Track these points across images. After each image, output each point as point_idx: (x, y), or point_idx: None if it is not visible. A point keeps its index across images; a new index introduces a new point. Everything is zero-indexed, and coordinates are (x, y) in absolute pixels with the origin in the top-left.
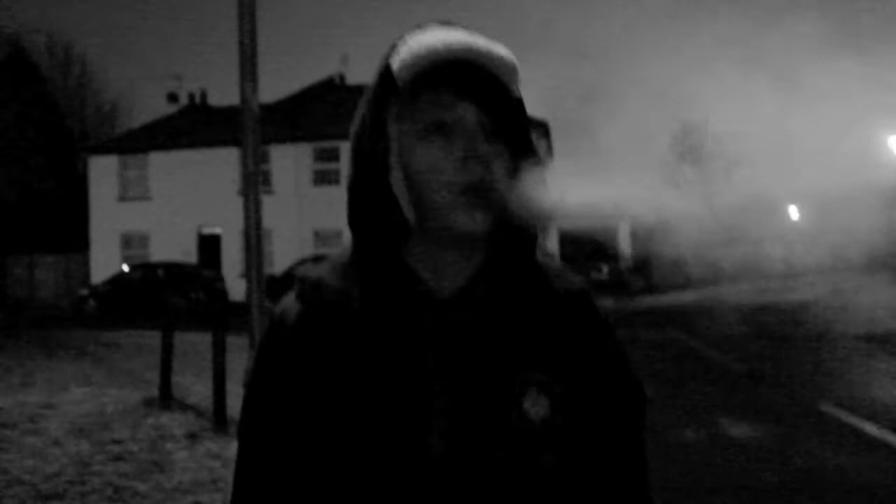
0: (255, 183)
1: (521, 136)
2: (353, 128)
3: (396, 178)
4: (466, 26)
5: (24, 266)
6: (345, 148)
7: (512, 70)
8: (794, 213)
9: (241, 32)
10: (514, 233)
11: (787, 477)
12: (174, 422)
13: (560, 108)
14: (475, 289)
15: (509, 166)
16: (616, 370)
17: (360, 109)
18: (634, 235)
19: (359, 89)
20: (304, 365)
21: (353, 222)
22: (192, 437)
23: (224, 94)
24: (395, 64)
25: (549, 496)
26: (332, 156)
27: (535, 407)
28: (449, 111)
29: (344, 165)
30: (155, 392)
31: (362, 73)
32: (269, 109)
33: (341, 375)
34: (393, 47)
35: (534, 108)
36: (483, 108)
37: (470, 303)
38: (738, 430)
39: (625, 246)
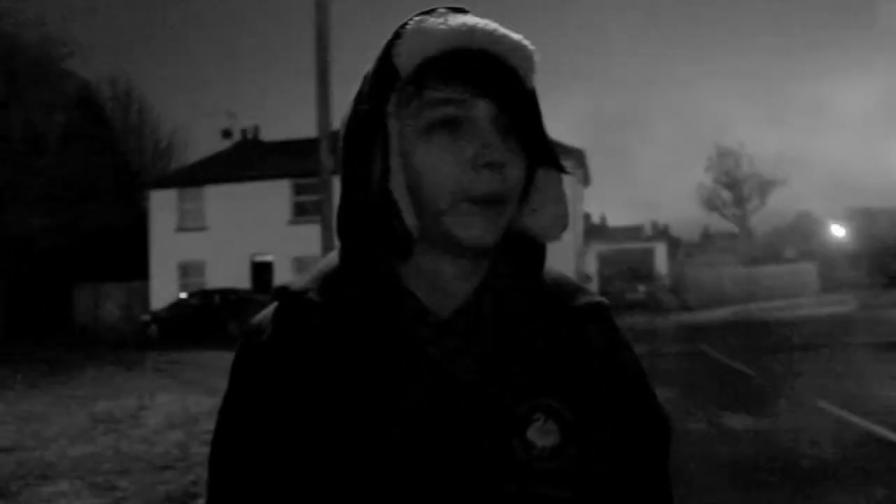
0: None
1: (538, 135)
2: (343, 124)
3: (397, 182)
4: (482, 15)
5: (89, 294)
6: None
7: (530, 59)
8: (837, 230)
9: (319, 88)
10: (523, 244)
11: (774, 462)
12: None
13: (596, 135)
14: (477, 306)
15: (523, 169)
16: (637, 395)
17: (353, 103)
18: (671, 256)
19: None
20: (275, 387)
21: (342, 230)
22: None
23: (274, 129)
24: (398, 51)
25: None
26: None
27: (543, 436)
28: (458, 106)
29: None
30: None
31: None
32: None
33: (322, 394)
34: (396, 32)
35: (570, 136)
36: (498, 102)
37: (471, 322)
38: (738, 422)
39: (661, 266)
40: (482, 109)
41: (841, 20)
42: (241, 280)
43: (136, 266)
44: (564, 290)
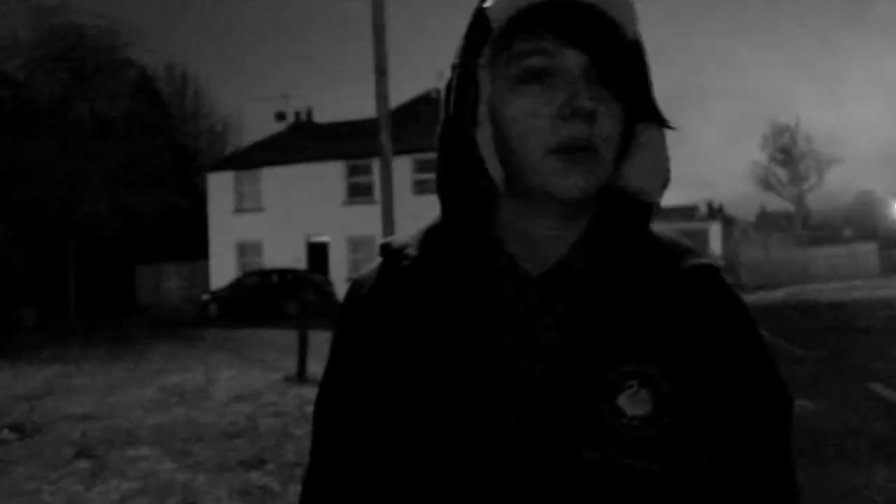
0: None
1: (637, 87)
2: (445, 85)
3: (484, 135)
4: None
5: (151, 274)
6: None
7: (630, 9)
8: None
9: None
10: (624, 201)
11: (819, 439)
12: (312, 392)
13: None
14: (571, 265)
15: (619, 122)
16: (752, 366)
17: (454, 59)
18: (726, 236)
19: None
20: (377, 336)
21: (439, 184)
22: None
23: (327, 111)
24: (489, 2)
25: None
26: (431, 167)
27: (634, 404)
28: (549, 57)
29: None
30: (290, 372)
31: None
32: (373, 124)
33: (412, 349)
34: None
35: None
36: (591, 52)
37: (564, 281)
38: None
39: (715, 246)
40: (573, 59)
41: None
42: (297, 260)
43: (195, 247)
44: (672, 252)
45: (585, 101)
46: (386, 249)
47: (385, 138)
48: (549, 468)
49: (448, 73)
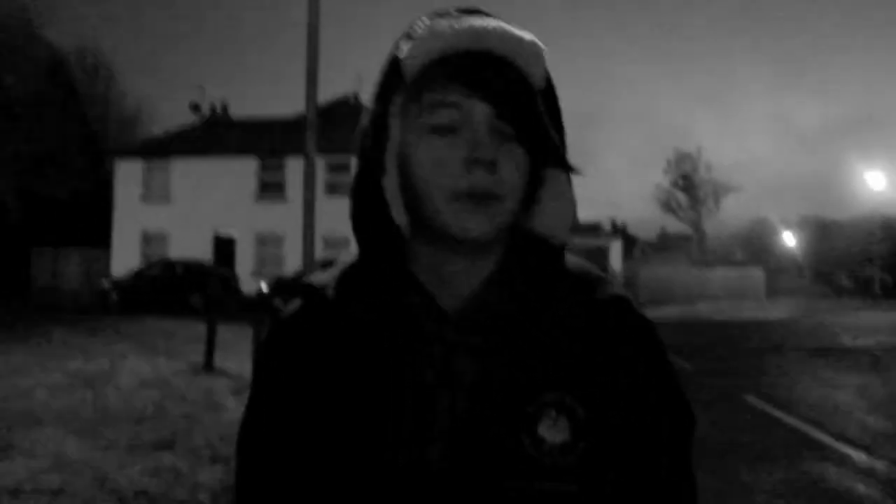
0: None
1: (540, 134)
2: (360, 124)
3: (390, 182)
4: (494, 13)
5: (48, 259)
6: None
7: (537, 57)
8: (788, 238)
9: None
10: (532, 241)
11: (699, 446)
12: (219, 382)
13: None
14: (485, 299)
15: (522, 168)
16: (659, 389)
17: (368, 104)
18: (626, 254)
19: None
20: (300, 372)
21: (354, 225)
22: (237, 392)
23: (243, 105)
24: (403, 52)
25: None
26: (344, 168)
27: (553, 432)
28: (456, 110)
29: None
30: (197, 361)
31: None
32: (286, 124)
33: (335, 386)
34: (406, 33)
35: None
36: (498, 103)
37: (478, 316)
38: None
39: (616, 263)
40: (479, 110)
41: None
42: (203, 254)
43: (97, 234)
44: (584, 282)
45: (487, 151)
46: (307, 289)
47: (310, 138)
48: (471, 499)
49: (366, 79)
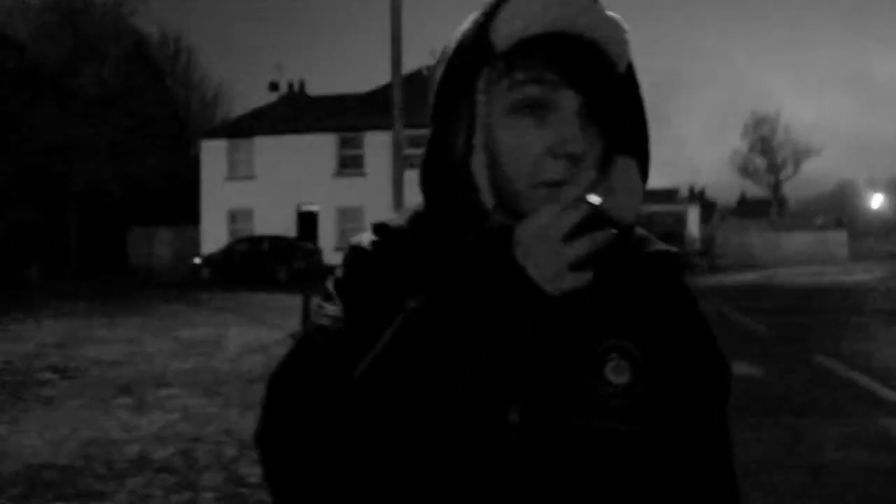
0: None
1: (622, 125)
2: (433, 90)
3: (478, 162)
4: None
5: (143, 238)
6: None
7: (623, 44)
8: (875, 200)
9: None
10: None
11: (759, 402)
12: None
13: None
14: None
15: (599, 157)
16: (701, 342)
17: (441, 69)
18: (705, 219)
19: None
20: (374, 302)
21: (426, 190)
22: None
23: (320, 83)
24: (496, 26)
25: (628, 466)
26: (420, 143)
27: (617, 374)
28: (545, 91)
29: None
30: (293, 329)
31: None
32: (364, 98)
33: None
34: (495, 5)
35: None
36: (585, 89)
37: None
38: (738, 368)
39: (693, 229)
40: (568, 98)
41: None
42: (287, 229)
43: (185, 212)
44: (641, 243)
45: (577, 145)
46: (384, 230)
47: (398, 105)
48: (539, 435)
49: (438, 52)
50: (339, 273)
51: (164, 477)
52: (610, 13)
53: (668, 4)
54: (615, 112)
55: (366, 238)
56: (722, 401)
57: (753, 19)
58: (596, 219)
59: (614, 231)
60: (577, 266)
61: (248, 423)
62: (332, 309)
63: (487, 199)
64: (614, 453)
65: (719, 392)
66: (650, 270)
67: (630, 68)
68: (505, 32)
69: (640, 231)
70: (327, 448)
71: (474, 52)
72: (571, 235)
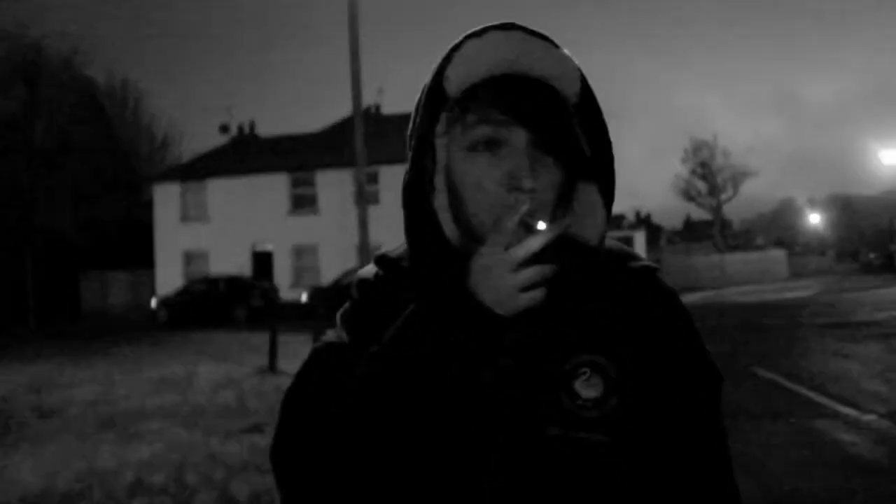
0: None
1: (576, 153)
2: (408, 138)
3: (440, 201)
4: (528, 25)
5: (96, 282)
6: (382, 171)
7: (570, 78)
8: (813, 218)
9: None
10: (569, 244)
11: None
12: (287, 380)
13: None
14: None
15: (557, 185)
16: (687, 351)
17: (414, 116)
18: (651, 243)
19: (393, 119)
20: (373, 332)
21: (407, 237)
22: None
23: (270, 123)
24: (447, 75)
25: (609, 475)
26: (371, 179)
27: (586, 388)
28: (496, 129)
29: (382, 187)
30: (260, 365)
31: (396, 104)
32: (314, 138)
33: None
34: (447, 56)
35: None
36: (536, 128)
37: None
38: None
39: (640, 253)
40: (517, 135)
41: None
42: (242, 268)
43: (141, 256)
44: (617, 258)
45: (526, 179)
46: (383, 260)
47: (359, 139)
48: (519, 444)
49: (385, 90)
50: (346, 306)
51: (163, 499)
52: (557, 50)
53: (602, 37)
54: (569, 142)
55: (368, 271)
56: (713, 407)
57: (687, 50)
58: (558, 243)
59: (571, 257)
60: (528, 287)
61: (232, 449)
62: (339, 336)
63: (452, 234)
64: (593, 462)
65: (709, 399)
66: (630, 286)
67: (588, 98)
68: (455, 80)
69: (621, 249)
70: (325, 469)
71: (430, 100)
72: (526, 262)
